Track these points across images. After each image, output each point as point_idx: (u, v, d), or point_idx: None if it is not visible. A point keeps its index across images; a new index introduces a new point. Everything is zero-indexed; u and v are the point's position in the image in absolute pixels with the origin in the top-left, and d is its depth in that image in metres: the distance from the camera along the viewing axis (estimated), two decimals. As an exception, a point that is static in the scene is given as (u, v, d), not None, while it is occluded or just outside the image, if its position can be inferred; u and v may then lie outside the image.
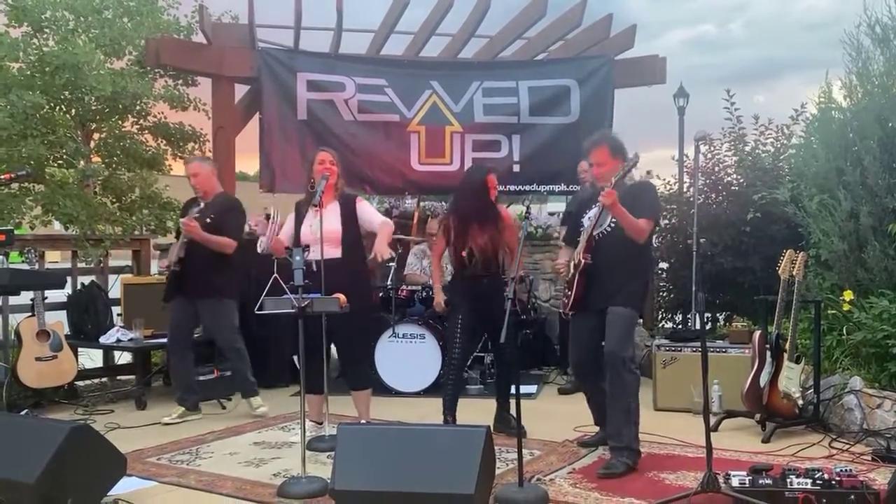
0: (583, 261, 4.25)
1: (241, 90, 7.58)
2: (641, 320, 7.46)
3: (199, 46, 7.40)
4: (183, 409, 5.53)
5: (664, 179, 8.20)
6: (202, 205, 5.51)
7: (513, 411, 4.14)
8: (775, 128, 7.05)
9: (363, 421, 4.87)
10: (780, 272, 4.95)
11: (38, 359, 5.69)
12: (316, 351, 4.49)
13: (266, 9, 7.37)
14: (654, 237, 7.52)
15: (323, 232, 4.55)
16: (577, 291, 4.30)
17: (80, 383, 6.40)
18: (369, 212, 4.98)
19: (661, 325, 7.71)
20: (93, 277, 6.83)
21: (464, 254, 4.93)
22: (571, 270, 4.34)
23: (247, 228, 5.91)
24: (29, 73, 6.76)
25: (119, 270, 7.15)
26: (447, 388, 5.02)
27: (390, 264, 6.68)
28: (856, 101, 5.75)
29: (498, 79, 7.79)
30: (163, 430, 5.27)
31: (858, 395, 4.74)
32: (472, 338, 5.23)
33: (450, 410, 4.96)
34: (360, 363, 5.12)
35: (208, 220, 5.42)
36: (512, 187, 7.88)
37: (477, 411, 5.19)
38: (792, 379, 4.87)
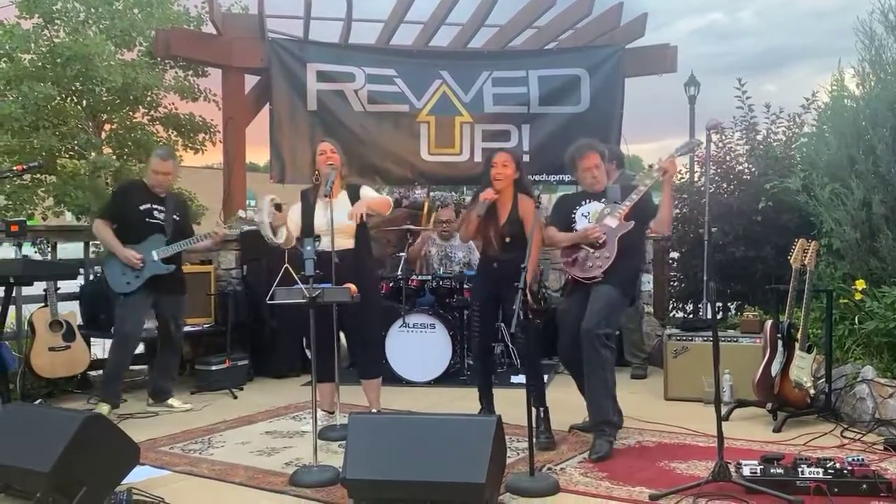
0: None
1: (251, 81, 7.59)
2: (651, 310, 7.48)
3: (209, 37, 7.41)
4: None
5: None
6: (162, 202, 5.47)
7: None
8: (787, 117, 7.02)
9: (374, 410, 4.88)
10: (791, 261, 4.93)
11: (51, 349, 5.73)
12: (327, 340, 4.51)
13: (276, -1, 7.38)
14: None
15: (335, 223, 4.56)
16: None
17: (93, 373, 6.43)
18: (371, 193, 4.99)
19: (672, 314, 7.70)
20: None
21: (478, 235, 4.87)
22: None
23: (255, 218, 5.90)
24: (40, 64, 6.78)
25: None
26: (475, 376, 5.06)
27: (400, 254, 6.69)
28: (868, 89, 5.72)
29: (508, 68, 7.76)
30: (175, 419, 5.30)
31: (870, 384, 4.72)
32: (491, 323, 5.04)
33: (482, 397, 4.95)
34: (371, 352, 5.11)
35: (176, 217, 5.48)
36: (522, 177, 7.86)
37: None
38: (803, 368, 4.86)
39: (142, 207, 5.39)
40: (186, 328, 6.11)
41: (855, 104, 5.79)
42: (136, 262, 5.26)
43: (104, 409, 5.27)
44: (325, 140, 5.11)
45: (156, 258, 5.34)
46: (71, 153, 7.17)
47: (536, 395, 4.54)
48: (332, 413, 4.93)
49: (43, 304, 5.87)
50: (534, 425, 4.32)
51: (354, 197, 4.86)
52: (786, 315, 4.95)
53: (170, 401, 5.65)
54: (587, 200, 4.64)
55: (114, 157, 7.08)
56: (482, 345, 4.91)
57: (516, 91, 7.69)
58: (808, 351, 4.90)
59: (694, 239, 7.15)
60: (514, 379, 6.26)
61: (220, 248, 6.51)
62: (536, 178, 7.80)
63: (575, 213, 4.63)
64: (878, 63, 5.64)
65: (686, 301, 7.77)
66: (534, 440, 3.96)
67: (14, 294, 6.21)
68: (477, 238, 5.00)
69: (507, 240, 4.67)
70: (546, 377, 6.46)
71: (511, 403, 4.58)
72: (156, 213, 5.43)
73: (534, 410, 4.33)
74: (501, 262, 4.66)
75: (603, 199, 4.54)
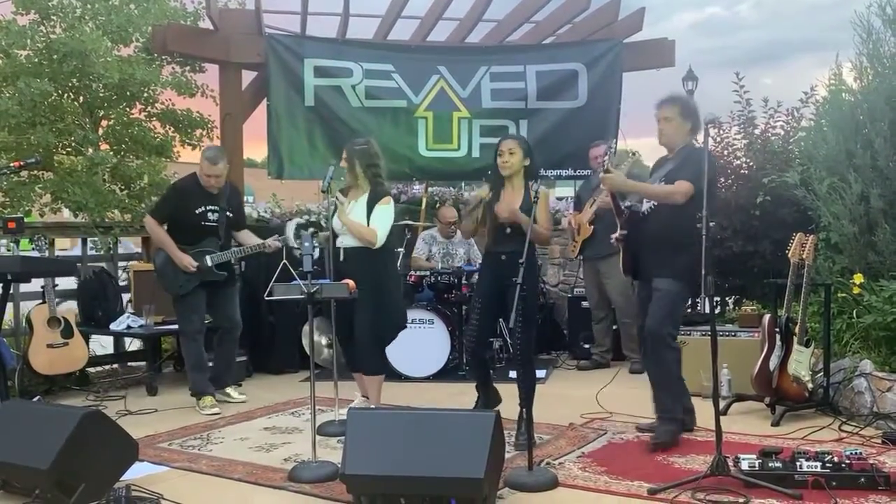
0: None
1: (248, 76, 7.57)
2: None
3: (206, 33, 7.39)
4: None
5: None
6: (216, 200, 5.49)
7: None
8: (785, 111, 7.01)
9: (371, 405, 4.89)
10: (789, 255, 4.93)
11: (49, 346, 5.73)
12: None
13: (273, -6, 7.36)
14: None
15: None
16: (624, 259, 4.60)
17: (92, 370, 6.44)
18: (379, 217, 4.90)
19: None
20: (102, 265, 6.85)
21: (482, 229, 4.76)
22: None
23: (265, 215, 5.92)
24: (37, 60, 6.76)
25: (129, 258, 7.18)
26: (472, 371, 5.00)
27: (398, 250, 6.69)
28: (866, 83, 5.71)
29: (505, 63, 7.75)
30: (174, 415, 5.30)
31: (868, 378, 4.73)
32: (490, 317, 4.81)
33: (478, 389, 4.89)
34: (370, 349, 5.01)
35: (229, 214, 5.52)
36: (520, 172, 7.87)
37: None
38: (802, 362, 4.87)
39: (197, 211, 5.39)
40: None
41: (853, 98, 5.78)
42: (192, 270, 5.30)
43: (208, 401, 5.41)
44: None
45: (209, 264, 5.36)
46: (68, 149, 7.15)
47: (525, 395, 4.44)
48: (367, 398, 5.00)
49: (41, 301, 5.87)
50: (520, 426, 4.36)
51: (374, 202, 4.90)
52: (784, 309, 4.95)
53: (227, 390, 5.70)
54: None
55: (111, 153, 7.06)
56: (479, 339, 4.71)
57: (514, 86, 7.68)
58: (807, 345, 4.91)
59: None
60: (513, 374, 6.24)
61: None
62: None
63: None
64: (875, 57, 5.64)
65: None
66: (518, 439, 4.00)
67: (12, 291, 6.22)
68: (482, 232, 4.87)
69: (512, 231, 4.52)
70: (545, 372, 6.49)
71: (510, 399, 4.58)
72: (210, 214, 5.43)
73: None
74: (510, 255, 4.43)
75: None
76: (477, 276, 5.21)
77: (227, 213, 5.51)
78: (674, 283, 4.34)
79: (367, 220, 4.85)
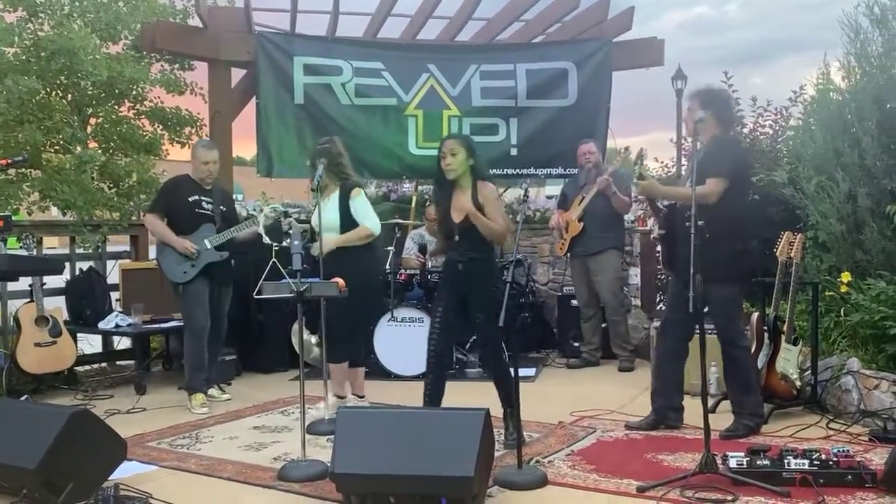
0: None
1: (237, 74, 7.55)
2: (638, 303, 7.50)
3: (195, 30, 7.37)
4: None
5: (662, 162, 8.21)
6: (209, 193, 5.54)
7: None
8: (774, 110, 7.03)
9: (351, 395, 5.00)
10: (777, 254, 4.95)
11: (37, 344, 5.70)
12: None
13: (262, -8, 7.34)
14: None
15: (325, 222, 4.70)
16: (662, 253, 4.76)
17: (80, 369, 6.41)
18: (360, 210, 4.95)
19: (659, 307, 7.71)
20: (91, 263, 6.82)
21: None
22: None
23: (254, 212, 5.90)
24: (24, 58, 6.72)
25: (117, 256, 7.15)
26: (425, 386, 4.50)
27: (388, 248, 6.69)
28: (854, 82, 5.74)
29: (495, 62, 7.77)
30: (162, 414, 5.28)
31: (856, 376, 4.75)
32: (451, 332, 4.55)
33: (432, 400, 4.48)
34: (340, 342, 4.94)
35: (223, 208, 5.56)
36: (510, 171, 7.90)
37: (476, 394, 5.20)
38: (790, 360, 4.89)
39: (190, 199, 5.48)
40: (173, 323, 6.11)
41: (840, 97, 5.81)
42: (191, 251, 5.35)
43: (199, 399, 5.41)
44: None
45: (209, 246, 5.42)
46: (56, 147, 7.11)
47: (504, 396, 4.43)
48: (344, 398, 5.02)
49: (29, 300, 5.84)
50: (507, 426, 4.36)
51: (345, 197, 4.91)
52: (772, 307, 4.97)
53: (210, 391, 5.69)
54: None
55: (99, 151, 7.02)
56: (438, 353, 4.43)
57: (504, 84, 7.70)
58: (794, 343, 4.93)
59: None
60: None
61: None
62: (525, 171, 7.82)
63: None
64: (863, 56, 5.66)
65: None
66: (507, 439, 3.99)
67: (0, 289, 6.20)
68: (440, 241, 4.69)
69: (462, 237, 4.37)
70: (534, 370, 6.50)
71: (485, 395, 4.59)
72: (204, 203, 5.51)
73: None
74: (467, 263, 4.35)
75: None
76: (438, 287, 4.90)
77: (221, 207, 5.57)
78: (724, 289, 4.38)
79: (339, 216, 4.88)
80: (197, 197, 5.50)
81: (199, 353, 5.46)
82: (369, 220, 4.94)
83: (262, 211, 5.60)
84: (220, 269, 5.50)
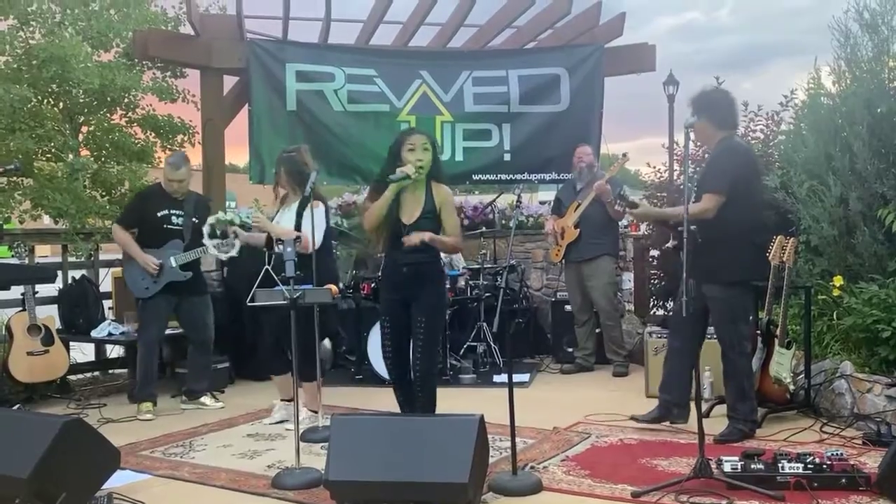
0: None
1: (229, 81, 7.55)
2: (632, 308, 7.51)
3: (187, 38, 7.37)
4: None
5: (654, 167, 8.24)
6: (181, 205, 5.50)
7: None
8: (765, 115, 7.07)
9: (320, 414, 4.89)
10: (770, 258, 4.96)
11: (29, 353, 5.67)
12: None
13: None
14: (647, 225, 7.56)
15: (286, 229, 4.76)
16: None
17: (72, 377, 6.38)
18: (311, 222, 4.67)
19: (652, 312, 7.73)
20: (83, 271, 6.80)
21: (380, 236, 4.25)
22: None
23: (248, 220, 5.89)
24: (16, 66, 6.72)
25: (109, 264, 7.13)
26: (395, 394, 4.37)
27: (380, 255, 6.67)
28: (844, 86, 5.77)
29: (488, 68, 7.79)
30: (156, 423, 5.26)
31: (849, 379, 4.76)
32: (401, 338, 4.27)
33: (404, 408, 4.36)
34: (305, 355, 4.62)
35: (195, 220, 5.51)
36: (503, 176, 7.93)
37: (470, 401, 5.20)
38: (783, 364, 4.89)
39: (159, 214, 5.44)
40: (167, 331, 6.08)
41: (831, 102, 5.84)
42: (152, 269, 5.32)
43: (146, 406, 5.41)
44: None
45: (174, 265, 5.38)
46: (48, 156, 7.11)
47: (423, 405, 4.22)
48: (316, 412, 4.91)
49: (21, 309, 5.81)
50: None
51: (303, 207, 4.81)
52: (765, 312, 4.98)
53: (202, 399, 5.70)
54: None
55: (91, 159, 7.02)
56: (397, 364, 4.28)
57: (497, 90, 7.72)
58: (788, 347, 4.93)
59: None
60: (497, 378, 6.26)
61: None
62: (518, 177, 7.84)
63: None
64: (853, 61, 5.69)
65: (666, 299, 7.79)
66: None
67: (-9, 298, 6.17)
68: (379, 238, 4.31)
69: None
70: (528, 376, 6.49)
71: (494, 403, 4.57)
72: (174, 218, 5.47)
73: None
74: (412, 266, 4.11)
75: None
76: (381, 294, 4.61)
77: (193, 219, 5.51)
78: (723, 290, 4.41)
79: (294, 226, 4.81)
80: (167, 211, 5.46)
81: (148, 363, 5.49)
82: (315, 235, 4.61)
83: (211, 223, 5.54)
84: (184, 284, 5.47)
